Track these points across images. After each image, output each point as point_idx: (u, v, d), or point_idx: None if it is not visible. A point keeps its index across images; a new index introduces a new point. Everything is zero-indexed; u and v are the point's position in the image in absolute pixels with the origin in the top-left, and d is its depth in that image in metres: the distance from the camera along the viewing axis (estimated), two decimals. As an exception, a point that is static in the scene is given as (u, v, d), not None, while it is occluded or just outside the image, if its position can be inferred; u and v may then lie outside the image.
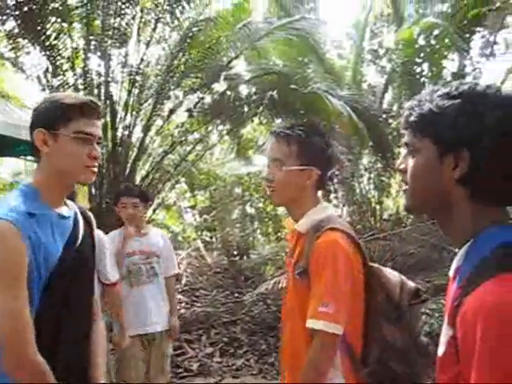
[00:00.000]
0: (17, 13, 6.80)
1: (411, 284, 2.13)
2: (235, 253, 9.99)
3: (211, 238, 11.69)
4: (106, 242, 3.63)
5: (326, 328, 1.85)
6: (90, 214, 2.03)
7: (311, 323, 1.88)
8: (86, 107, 1.75)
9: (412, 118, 1.20)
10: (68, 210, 1.85)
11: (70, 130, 1.72)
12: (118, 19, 7.12)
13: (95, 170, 1.79)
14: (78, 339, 1.83)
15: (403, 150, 1.26)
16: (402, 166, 1.25)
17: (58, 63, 7.22)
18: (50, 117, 1.73)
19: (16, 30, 7.06)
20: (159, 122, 8.31)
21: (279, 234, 12.53)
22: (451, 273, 1.21)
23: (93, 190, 7.24)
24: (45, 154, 1.74)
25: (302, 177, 2.06)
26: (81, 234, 1.85)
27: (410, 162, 1.21)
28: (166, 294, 4.06)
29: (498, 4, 7.74)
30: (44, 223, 1.68)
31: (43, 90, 7.37)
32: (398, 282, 2.10)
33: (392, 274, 2.14)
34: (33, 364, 1.55)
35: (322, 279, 1.88)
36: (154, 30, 7.55)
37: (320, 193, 2.24)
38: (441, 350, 1.12)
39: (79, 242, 1.82)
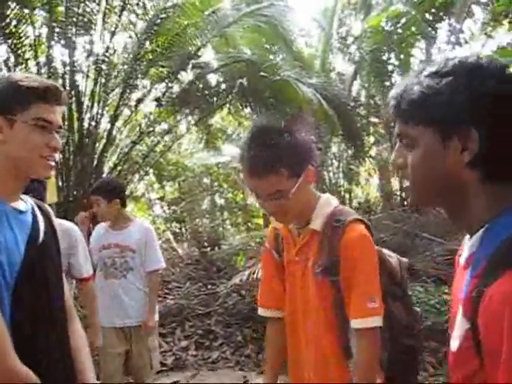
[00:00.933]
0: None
1: (405, 260, 2.17)
2: (206, 244, 9.89)
3: (180, 229, 11.57)
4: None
5: (378, 323, 1.83)
6: (47, 207, 1.82)
7: (362, 323, 1.82)
8: (47, 92, 1.55)
9: (402, 106, 1.08)
10: (24, 204, 1.65)
11: (28, 115, 1.52)
12: (82, 5, 6.89)
13: (53, 163, 1.60)
14: (58, 340, 1.68)
15: (397, 143, 1.14)
16: (400, 161, 1.12)
17: (19, 52, 6.96)
18: (7, 100, 1.52)
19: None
20: (127, 112, 8.15)
21: (249, 224, 12.50)
22: (462, 261, 1.13)
23: (59, 183, 7.03)
24: None
25: (305, 185, 1.91)
26: (42, 229, 1.66)
27: (409, 155, 1.09)
28: (145, 288, 3.97)
29: (465, -9, 7.81)
30: (1, 220, 1.51)
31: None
32: (396, 260, 2.12)
33: (389, 254, 2.14)
34: (13, 373, 1.41)
35: (363, 275, 1.82)
36: (119, 16, 7.36)
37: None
38: (455, 345, 1.04)
39: (41, 238, 1.64)
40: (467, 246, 1.11)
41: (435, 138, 1.04)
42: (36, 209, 1.70)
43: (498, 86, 0.99)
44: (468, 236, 1.12)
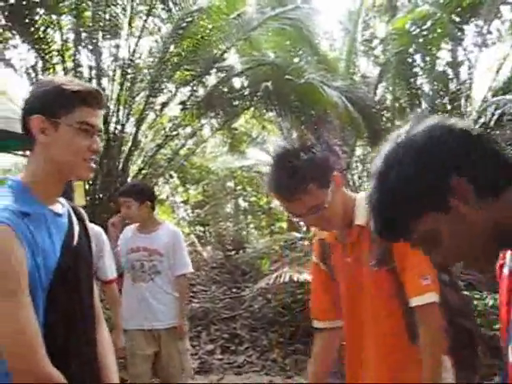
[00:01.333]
0: (2, 4, 6.62)
1: None
2: (230, 247, 9.89)
3: (204, 232, 11.58)
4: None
5: (434, 298, 1.87)
6: (81, 210, 1.84)
7: (418, 300, 1.86)
8: (90, 96, 1.57)
9: (393, 221, 1.05)
10: (61, 206, 1.66)
11: (73, 119, 1.53)
12: (108, 10, 6.97)
13: (93, 165, 1.62)
14: (88, 343, 1.69)
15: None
16: (439, 260, 1.11)
17: (47, 57, 7.06)
18: (51, 103, 1.53)
19: (2, 23, 6.88)
20: (152, 115, 8.19)
21: (272, 228, 12.48)
22: (506, 271, 1.10)
23: (86, 186, 7.09)
24: (41, 144, 1.54)
25: (336, 190, 1.93)
26: (76, 232, 1.68)
27: (442, 248, 1.04)
28: (174, 292, 3.98)
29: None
30: (39, 223, 1.51)
31: (32, 84, 7.20)
32: None
33: None
34: (45, 375, 1.42)
35: (415, 256, 1.78)
36: (145, 21, 7.40)
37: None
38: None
39: (76, 241, 1.65)
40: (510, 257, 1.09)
41: (442, 216, 1.00)
42: (71, 212, 1.72)
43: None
44: None
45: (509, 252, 1.10)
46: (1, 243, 1.38)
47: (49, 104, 1.53)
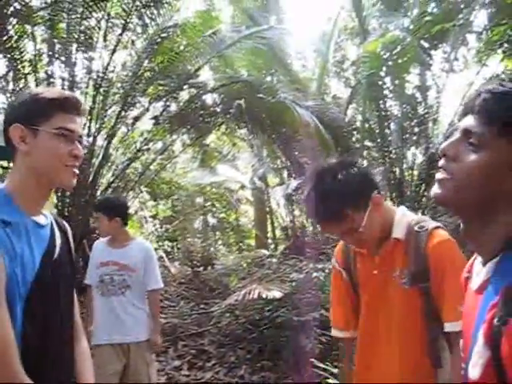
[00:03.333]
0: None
1: None
2: (198, 263, 9.85)
3: (172, 248, 11.52)
4: (153, 252, 4.10)
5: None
6: (64, 223, 1.83)
7: (455, 326, 1.76)
8: (67, 102, 1.59)
9: (490, 105, 1.01)
10: (45, 218, 1.65)
11: (51, 125, 1.54)
12: (83, 22, 6.94)
13: (76, 171, 1.61)
14: (64, 355, 1.68)
15: (457, 135, 1.08)
16: (452, 151, 1.07)
17: (19, 66, 6.98)
18: (29, 111, 1.55)
19: (-26, 32, 6.79)
20: (123, 129, 8.16)
21: (241, 245, 12.49)
22: (474, 287, 1.10)
23: (54, 199, 7.01)
24: (22, 153, 1.55)
25: (375, 210, 1.92)
26: (58, 244, 1.67)
27: (470, 153, 1.03)
28: (143, 307, 3.96)
29: (461, 21, 7.92)
30: (20, 233, 1.50)
31: (3, 93, 7.12)
32: None
33: None
34: (17, 382, 1.40)
35: (455, 279, 1.68)
36: (120, 34, 7.39)
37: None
38: (475, 373, 0.99)
39: (56, 253, 1.64)
40: (478, 270, 1.09)
41: (505, 145, 0.99)
42: (54, 224, 1.71)
43: None
44: (479, 259, 1.11)
45: (476, 266, 1.11)
46: None
47: (27, 112, 1.55)
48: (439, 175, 1.09)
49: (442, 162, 1.09)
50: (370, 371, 2.07)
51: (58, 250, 1.65)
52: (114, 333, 3.84)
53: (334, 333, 2.26)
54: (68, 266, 1.74)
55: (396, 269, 1.96)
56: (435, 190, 1.11)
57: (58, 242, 1.68)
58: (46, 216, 1.68)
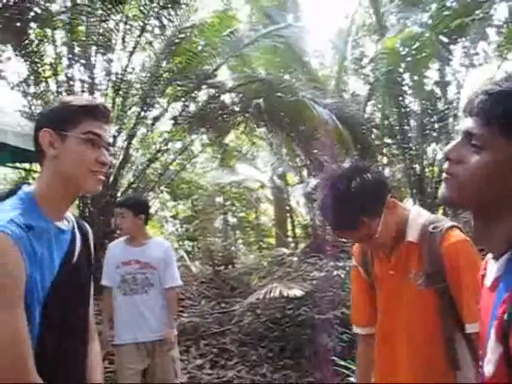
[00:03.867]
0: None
1: None
2: (219, 262, 9.89)
3: (193, 247, 11.58)
4: (172, 251, 4.25)
5: None
6: (86, 225, 1.84)
7: (476, 327, 1.70)
8: (96, 109, 1.62)
9: (488, 106, 1.02)
10: (67, 223, 1.67)
11: (79, 131, 1.57)
12: (102, 25, 7.02)
13: (102, 177, 1.63)
14: (77, 359, 1.70)
15: (459, 137, 1.10)
16: (455, 154, 1.08)
17: (39, 70, 7.08)
18: (59, 117, 1.59)
19: (-4, 36, 6.90)
20: (143, 130, 8.22)
21: (261, 243, 12.50)
22: (487, 283, 1.11)
23: (76, 200, 7.09)
24: (50, 157, 1.57)
25: (390, 214, 1.92)
26: (78, 249, 1.68)
27: (473, 155, 1.04)
28: (165, 304, 4.01)
29: (480, 15, 7.84)
30: (42, 237, 1.52)
31: (25, 97, 7.22)
32: None
33: None
34: None
35: (472, 278, 1.66)
36: (138, 36, 7.46)
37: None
38: (490, 370, 1.01)
39: (75, 258, 1.66)
40: (491, 268, 1.10)
41: (506, 145, 1.00)
42: (76, 227, 1.72)
43: None
44: (491, 256, 1.11)
45: (490, 264, 1.11)
46: (2, 254, 1.39)
47: (56, 118, 1.59)
48: (444, 177, 1.12)
49: (446, 166, 1.11)
50: (387, 371, 2.05)
51: (77, 253, 1.67)
52: (139, 332, 3.89)
53: (356, 330, 2.26)
54: (86, 269, 1.76)
55: (411, 271, 1.95)
56: (441, 190, 1.13)
57: (78, 245, 1.70)
58: (69, 220, 1.70)
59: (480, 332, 1.16)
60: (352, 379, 4.06)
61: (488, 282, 1.11)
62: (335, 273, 6.11)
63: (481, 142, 1.03)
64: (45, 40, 6.98)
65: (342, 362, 4.30)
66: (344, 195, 1.86)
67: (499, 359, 0.98)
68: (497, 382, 1.00)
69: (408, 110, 8.98)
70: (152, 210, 10.80)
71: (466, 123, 1.08)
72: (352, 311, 2.32)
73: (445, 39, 8.76)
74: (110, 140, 1.69)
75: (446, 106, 8.77)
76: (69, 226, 1.68)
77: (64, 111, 1.60)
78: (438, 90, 9.15)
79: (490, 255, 1.13)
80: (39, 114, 1.73)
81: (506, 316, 0.95)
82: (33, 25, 6.90)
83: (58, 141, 1.57)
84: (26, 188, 1.61)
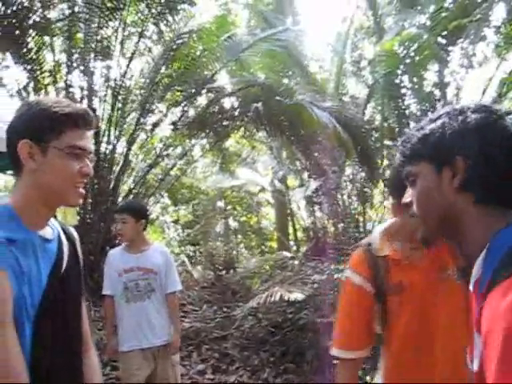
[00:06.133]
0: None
1: None
2: (220, 267, 9.90)
3: (194, 252, 11.58)
4: (171, 257, 4.22)
5: None
6: (71, 230, 1.78)
7: None
8: (80, 117, 1.51)
9: (405, 151, 1.24)
10: (51, 231, 1.60)
11: (62, 143, 1.46)
12: (100, 32, 7.04)
13: (82, 190, 1.55)
14: (74, 371, 1.68)
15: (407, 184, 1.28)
16: (409, 200, 1.25)
17: (39, 77, 7.11)
18: (39, 127, 1.46)
19: (-5, 44, 6.93)
20: (143, 136, 8.24)
21: (263, 247, 12.50)
22: (471, 288, 1.15)
23: (77, 207, 7.10)
24: (29, 170, 1.47)
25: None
26: (66, 257, 1.62)
27: (413, 191, 1.23)
28: (166, 309, 4.02)
29: (478, 16, 7.83)
30: (26, 250, 1.45)
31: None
32: None
33: None
34: None
35: None
36: (137, 42, 7.48)
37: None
38: (477, 364, 1.06)
39: (64, 266, 1.60)
40: (472, 275, 1.14)
41: (431, 171, 1.17)
42: (62, 234, 1.67)
43: (479, 121, 1.12)
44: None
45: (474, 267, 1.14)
46: None
47: (36, 128, 1.47)
48: None
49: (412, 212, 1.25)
50: (420, 375, 1.91)
51: (65, 263, 1.62)
52: (143, 338, 3.90)
53: (343, 354, 2.04)
54: (76, 277, 1.71)
55: (447, 268, 1.89)
56: None
57: (66, 253, 1.64)
58: (53, 228, 1.64)
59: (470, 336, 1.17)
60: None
61: (470, 286, 1.16)
62: (336, 276, 6.09)
63: (412, 178, 1.23)
64: (43, 47, 6.98)
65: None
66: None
67: (481, 352, 1.00)
68: (481, 375, 1.01)
69: (407, 111, 8.98)
70: (153, 216, 10.84)
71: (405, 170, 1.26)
72: (345, 335, 2.09)
73: (443, 41, 8.77)
74: (92, 149, 1.57)
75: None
76: (54, 234, 1.61)
77: (44, 120, 1.47)
78: (436, 92, 9.14)
79: None
80: (14, 120, 1.52)
81: (479, 308, 1.02)
82: (31, 32, 6.90)
83: (38, 153, 1.47)
84: (1, 201, 1.54)
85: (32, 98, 7.24)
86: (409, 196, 1.25)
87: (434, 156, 1.16)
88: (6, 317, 1.36)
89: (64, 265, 1.61)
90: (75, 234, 1.79)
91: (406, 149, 1.23)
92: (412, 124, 8.97)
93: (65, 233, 1.70)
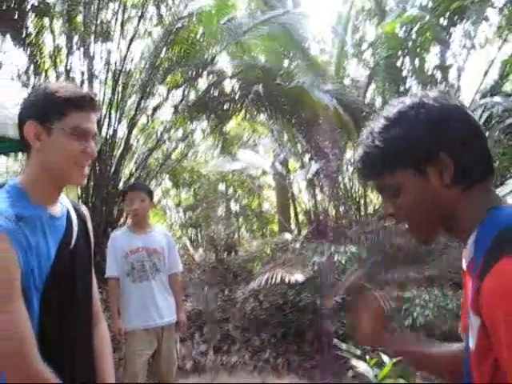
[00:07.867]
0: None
1: None
2: (222, 250, 9.95)
3: (196, 235, 11.63)
4: (171, 238, 4.28)
5: None
6: (83, 209, 1.84)
7: None
8: (82, 100, 1.57)
9: (368, 167, 1.21)
10: (60, 208, 1.66)
11: (65, 124, 1.54)
12: (100, 15, 7.01)
13: (87, 170, 1.63)
14: (82, 344, 1.72)
15: (383, 197, 1.25)
16: (390, 211, 1.22)
17: (39, 61, 7.09)
18: (44, 109, 1.54)
19: (-5, 27, 6.91)
20: (143, 119, 8.24)
21: (264, 230, 12.54)
22: (465, 267, 1.18)
23: (79, 190, 7.14)
24: (35, 150, 1.55)
25: None
26: (75, 234, 1.68)
27: (397, 201, 1.18)
28: (170, 290, 4.08)
29: (479, -4, 7.78)
30: (34, 226, 1.52)
31: (25, 87, 7.24)
32: None
33: None
34: (37, 374, 1.44)
35: None
36: (137, 25, 7.45)
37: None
38: (472, 344, 1.07)
39: (73, 243, 1.66)
40: (464, 253, 1.17)
41: (412, 175, 1.14)
42: (72, 212, 1.72)
43: (443, 110, 1.12)
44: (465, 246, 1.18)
45: (464, 252, 1.17)
46: None
47: (42, 110, 1.55)
48: (406, 227, 1.23)
49: (395, 221, 1.25)
50: None
51: (74, 238, 1.67)
52: (149, 317, 3.94)
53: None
54: (86, 252, 1.76)
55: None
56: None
57: (75, 230, 1.69)
58: (63, 204, 1.69)
59: (462, 317, 1.24)
60: (353, 362, 4.09)
61: (464, 265, 1.19)
62: (336, 257, 6.13)
63: (391, 189, 1.19)
64: (43, 31, 6.96)
65: (344, 346, 4.33)
66: None
67: (478, 332, 1.03)
68: (479, 354, 1.05)
69: (409, 94, 8.95)
70: (155, 199, 10.88)
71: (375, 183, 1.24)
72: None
73: (445, 22, 8.72)
74: (96, 130, 1.63)
75: (447, 90, 8.72)
76: (62, 211, 1.67)
77: (49, 103, 1.55)
78: (438, 74, 9.10)
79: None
80: (23, 103, 1.61)
81: (475, 289, 1.02)
82: (31, 15, 6.88)
83: (43, 133, 1.54)
84: (11, 181, 1.60)
85: (32, 81, 7.24)
86: (389, 206, 1.22)
87: (411, 160, 1.13)
88: (15, 291, 1.41)
89: (73, 240, 1.67)
90: (86, 212, 1.85)
91: (372, 164, 1.19)
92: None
93: (76, 211, 1.76)
